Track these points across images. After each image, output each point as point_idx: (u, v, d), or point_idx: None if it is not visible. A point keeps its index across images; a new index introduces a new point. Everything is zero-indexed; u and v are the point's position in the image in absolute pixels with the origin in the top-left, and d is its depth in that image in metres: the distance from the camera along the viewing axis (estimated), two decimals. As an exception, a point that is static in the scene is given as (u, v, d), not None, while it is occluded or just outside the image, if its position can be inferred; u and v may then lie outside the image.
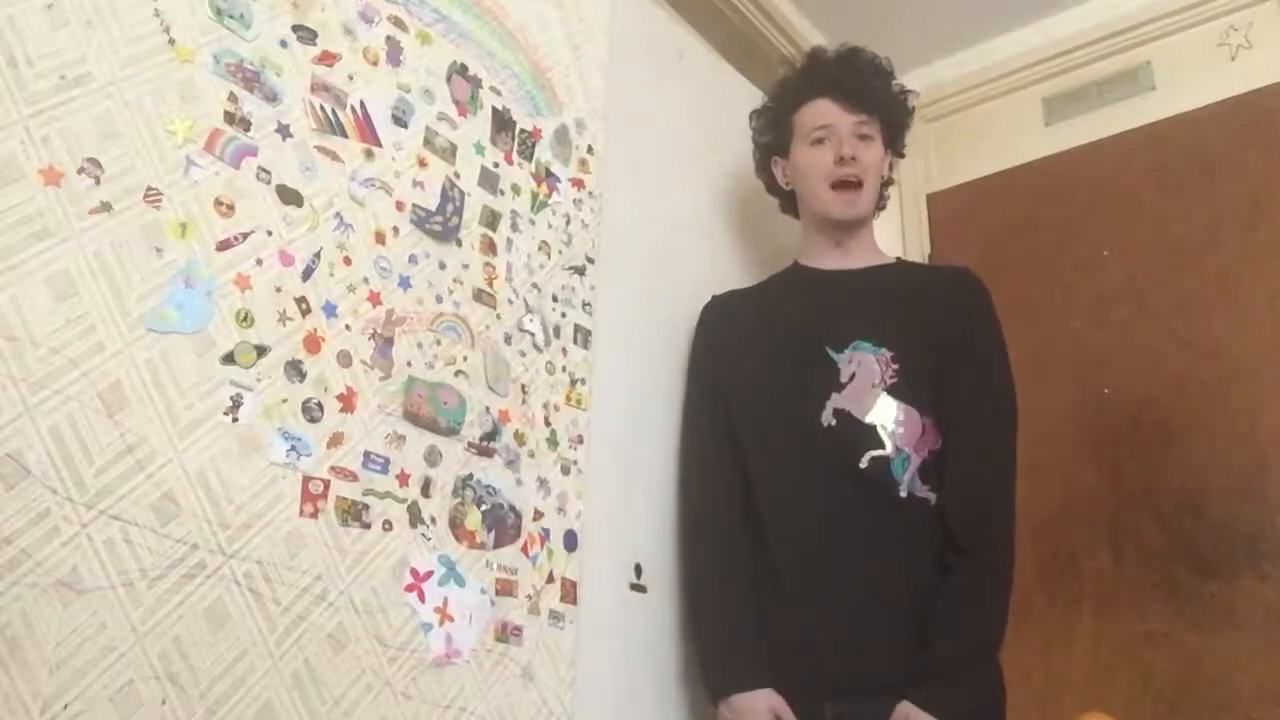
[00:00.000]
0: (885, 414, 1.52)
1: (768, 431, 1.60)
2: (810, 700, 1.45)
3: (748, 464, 1.60)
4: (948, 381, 1.55)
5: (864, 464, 1.50)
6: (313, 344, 1.20)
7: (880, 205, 1.78)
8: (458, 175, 1.42)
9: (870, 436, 1.52)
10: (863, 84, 1.70)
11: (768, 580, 1.54)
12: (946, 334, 1.57)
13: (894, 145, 1.76)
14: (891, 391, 1.53)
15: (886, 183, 1.77)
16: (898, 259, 1.79)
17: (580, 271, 1.59)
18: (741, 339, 1.69)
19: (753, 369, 1.64)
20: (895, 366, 1.54)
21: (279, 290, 1.17)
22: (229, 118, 1.17)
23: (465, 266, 1.41)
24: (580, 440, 1.51)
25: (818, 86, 1.71)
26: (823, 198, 1.68)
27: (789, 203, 1.82)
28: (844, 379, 1.55)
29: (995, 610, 1.45)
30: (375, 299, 1.28)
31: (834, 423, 1.53)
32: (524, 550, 1.38)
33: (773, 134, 1.78)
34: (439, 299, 1.36)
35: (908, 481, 1.50)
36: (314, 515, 1.15)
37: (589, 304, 1.59)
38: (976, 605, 1.45)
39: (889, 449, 1.51)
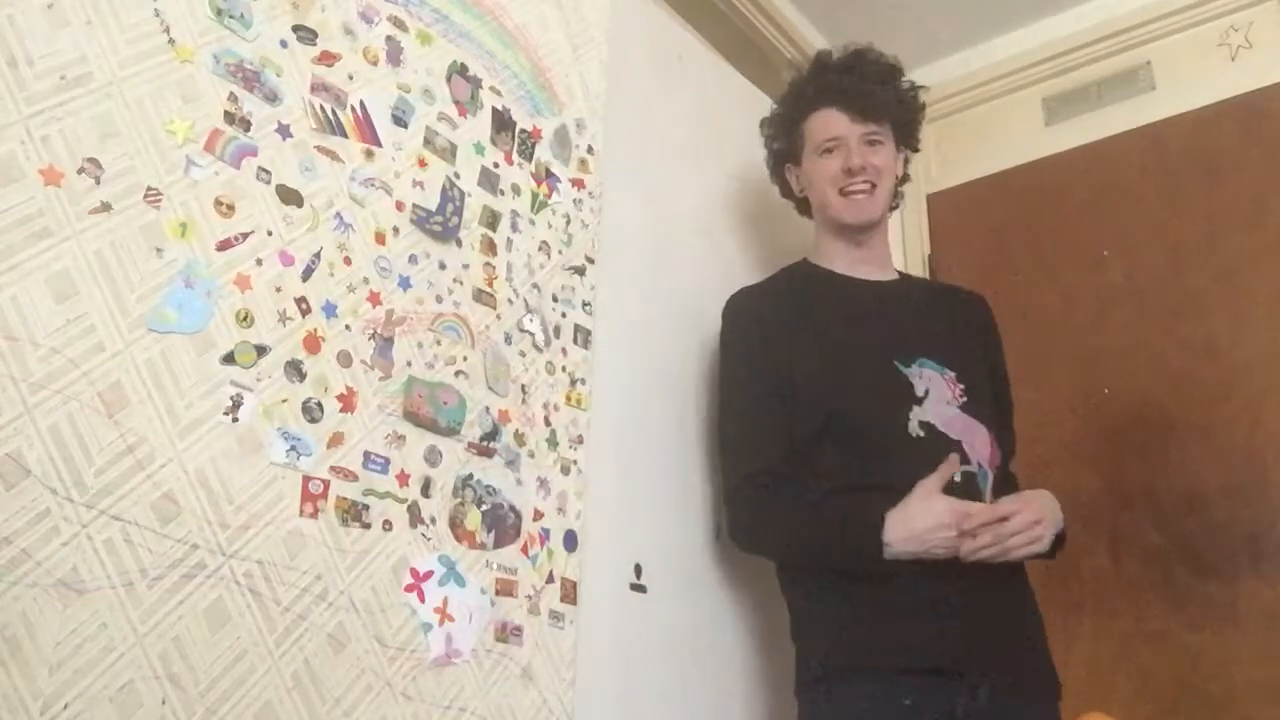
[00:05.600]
0: (966, 431, 1.54)
1: (849, 438, 1.55)
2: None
3: (815, 469, 1.56)
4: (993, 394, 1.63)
5: (958, 478, 1.48)
6: (313, 344, 1.20)
7: (894, 204, 1.79)
8: (458, 175, 1.42)
9: (959, 450, 1.51)
10: (869, 91, 1.70)
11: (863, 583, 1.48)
12: (984, 356, 1.67)
13: (906, 142, 1.78)
14: (965, 410, 1.55)
15: (901, 180, 1.79)
16: (900, 273, 1.81)
17: (580, 271, 1.59)
18: (795, 335, 1.64)
19: (829, 371, 1.59)
20: (961, 386, 1.57)
21: (279, 290, 1.17)
22: (229, 118, 1.17)
23: (465, 266, 1.41)
24: (580, 440, 1.51)
25: (825, 96, 1.72)
26: (834, 203, 1.70)
27: (804, 206, 1.83)
28: (919, 393, 1.55)
29: None
30: (375, 299, 1.28)
31: (922, 434, 1.52)
32: (524, 550, 1.38)
33: (784, 142, 1.80)
34: (439, 299, 1.36)
35: (989, 497, 1.51)
36: (314, 515, 1.15)
37: (589, 304, 1.59)
38: None
39: (974, 464, 1.52)
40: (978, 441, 1.54)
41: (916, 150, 1.82)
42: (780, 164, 1.83)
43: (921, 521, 1.41)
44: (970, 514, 1.41)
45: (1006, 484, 1.59)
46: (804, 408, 1.57)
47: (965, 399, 1.56)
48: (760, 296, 1.74)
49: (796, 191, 1.81)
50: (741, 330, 1.70)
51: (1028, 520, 1.41)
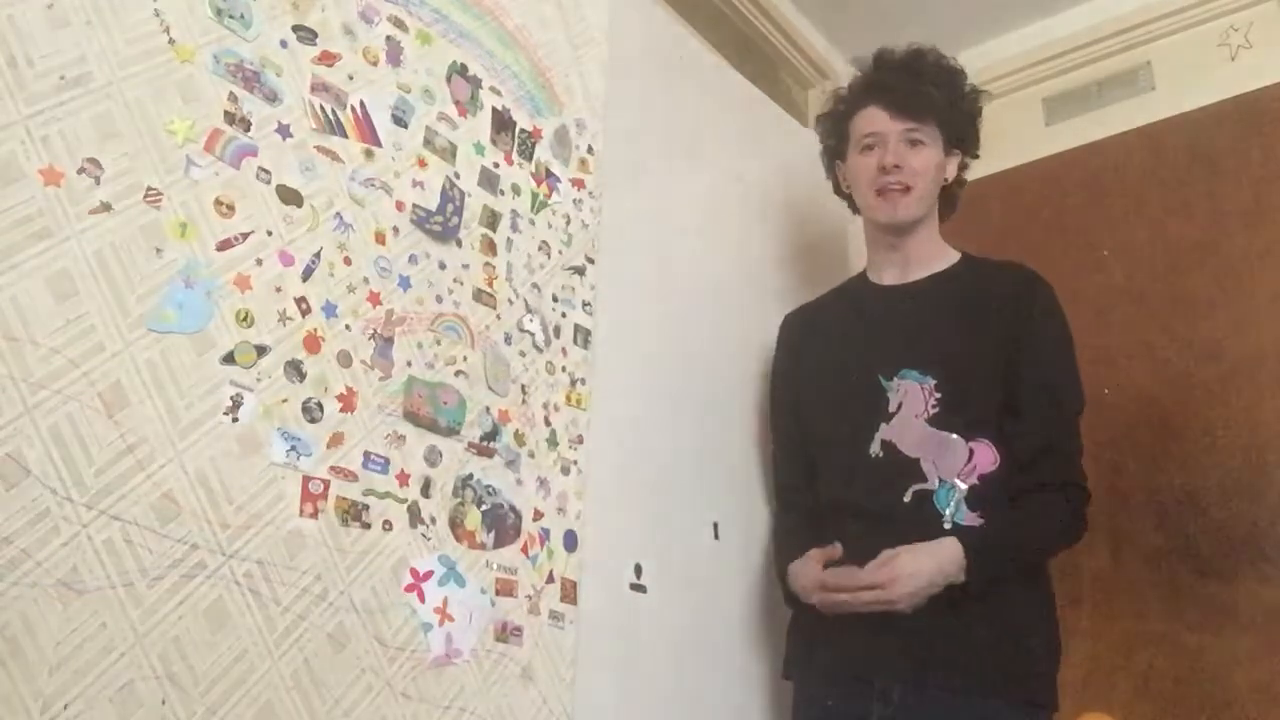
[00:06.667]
0: (927, 447, 1.54)
1: (825, 459, 1.67)
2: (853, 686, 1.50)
3: (819, 481, 1.68)
4: (1013, 381, 1.56)
5: (907, 498, 1.52)
6: (313, 344, 1.20)
7: (951, 207, 1.77)
8: (458, 175, 1.42)
9: (913, 471, 1.53)
10: (913, 89, 1.69)
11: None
12: (1003, 346, 1.58)
13: (961, 146, 1.75)
14: (933, 422, 1.54)
15: (957, 183, 1.76)
16: (963, 255, 1.74)
17: (580, 271, 1.59)
18: (810, 358, 1.77)
19: (816, 393, 1.72)
20: (937, 396, 1.55)
21: (279, 290, 1.17)
22: (229, 118, 1.17)
23: (465, 266, 1.41)
24: (580, 440, 1.51)
25: (870, 93, 1.73)
26: (870, 202, 1.71)
27: (855, 206, 1.84)
28: (892, 409, 1.58)
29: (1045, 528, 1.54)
30: (375, 299, 1.28)
31: (881, 454, 1.57)
32: (524, 550, 1.38)
33: (833, 140, 1.82)
34: (439, 299, 1.36)
35: (952, 512, 1.50)
36: (314, 515, 1.15)
37: (589, 304, 1.59)
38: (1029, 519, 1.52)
39: (932, 482, 1.52)
40: (943, 456, 1.53)
41: (976, 156, 1.80)
42: (830, 162, 1.85)
43: (799, 581, 1.58)
44: (827, 582, 1.51)
45: (1021, 493, 1.52)
46: (803, 432, 1.73)
47: (939, 409, 1.55)
48: (797, 319, 1.86)
49: (843, 189, 1.83)
50: (778, 353, 1.85)
51: (875, 595, 1.45)
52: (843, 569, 1.51)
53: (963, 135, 1.75)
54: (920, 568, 1.44)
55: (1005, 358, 1.57)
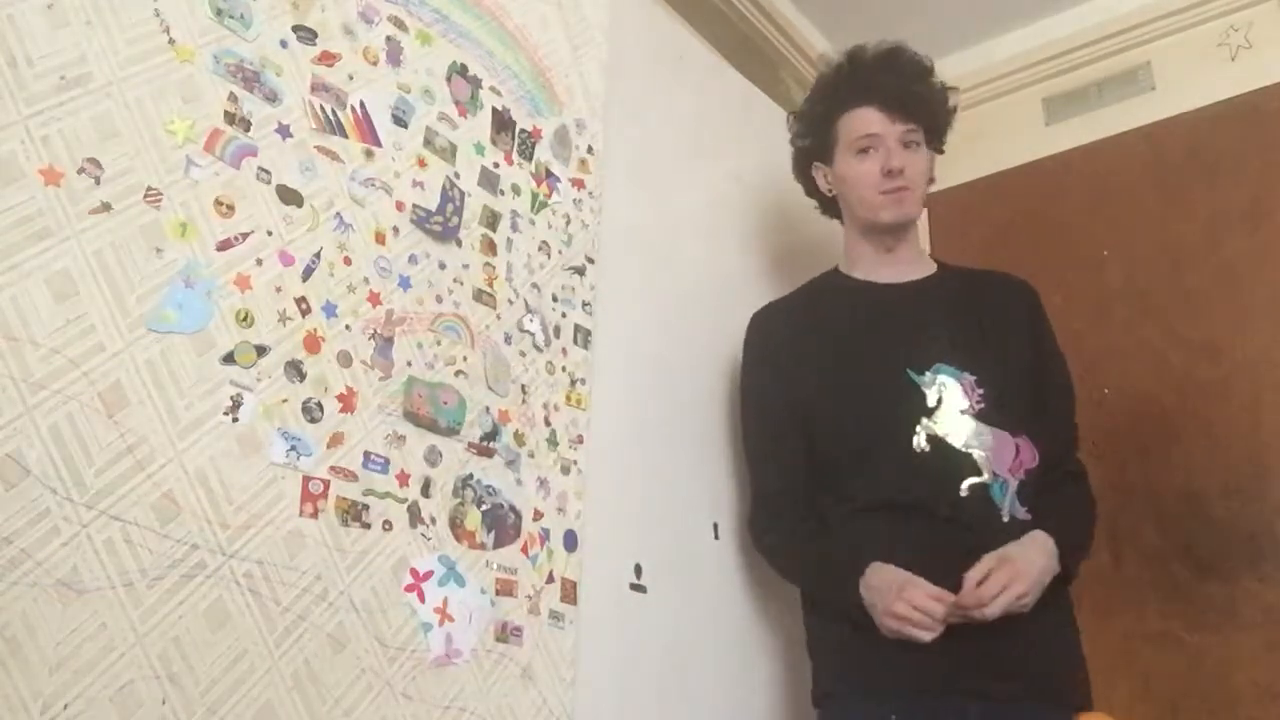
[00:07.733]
0: (979, 440, 1.52)
1: (854, 458, 1.56)
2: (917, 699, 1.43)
3: (834, 488, 1.58)
4: (1037, 379, 1.59)
5: (964, 491, 1.48)
6: (313, 344, 1.20)
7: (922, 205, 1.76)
8: (458, 175, 1.43)
9: (967, 463, 1.50)
10: (907, 90, 1.65)
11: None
12: (1021, 347, 1.61)
13: (934, 145, 1.73)
14: (980, 417, 1.52)
15: (928, 182, 1.75)
16: (939, 264, 1.74)
17: (580, 271, 1.59)
18: (807, 355, 1.66)
19: (829, 391, 1.61)
20: (980, 391, 1.54)
21: (279, 290, 1.17)
22: (229, 118, 1.17)
23: (465, 266, 1.41)
24: (580, 440, 1.51)
25: (861, 93, 1.66)
26: (875, 202, 1.65)
27: (828, 207, 1.81)
28: (931, 403, 1.54)
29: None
30: (375, 299, 1.28)
31: (927, 448, 1.51)
32: (524, 550, 1.38)
33: (813, 139, 1.75)
34: (439, 299, 1.36)
35: (1009, 506, 1.49)
36: (314, 515, 1.15)
37: (589, 304, 1.59)
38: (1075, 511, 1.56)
39: (986, 475, 1.49)
40: (994, 450, 1.51)
41: (941, 153, 1.76)
42: (807, 162, 1.78)
43: (886, 591, 1.41)
44: (920, 596, 1.38)
45: (1057, 484, 1.54)
46: (819, 429, 1.61)
47: (983, 405, 1.53)
48: (778, 315, 1.75)
49: (824, 190, 1.77)
50: (756, 353, 1.74)
51: (1014, 594, 1.36)
52: (936, 589, 1.39)
53: (938, 135, 1.73)
54: (1033, 559, 1.39)
55: (1028, 358, 1.60)
